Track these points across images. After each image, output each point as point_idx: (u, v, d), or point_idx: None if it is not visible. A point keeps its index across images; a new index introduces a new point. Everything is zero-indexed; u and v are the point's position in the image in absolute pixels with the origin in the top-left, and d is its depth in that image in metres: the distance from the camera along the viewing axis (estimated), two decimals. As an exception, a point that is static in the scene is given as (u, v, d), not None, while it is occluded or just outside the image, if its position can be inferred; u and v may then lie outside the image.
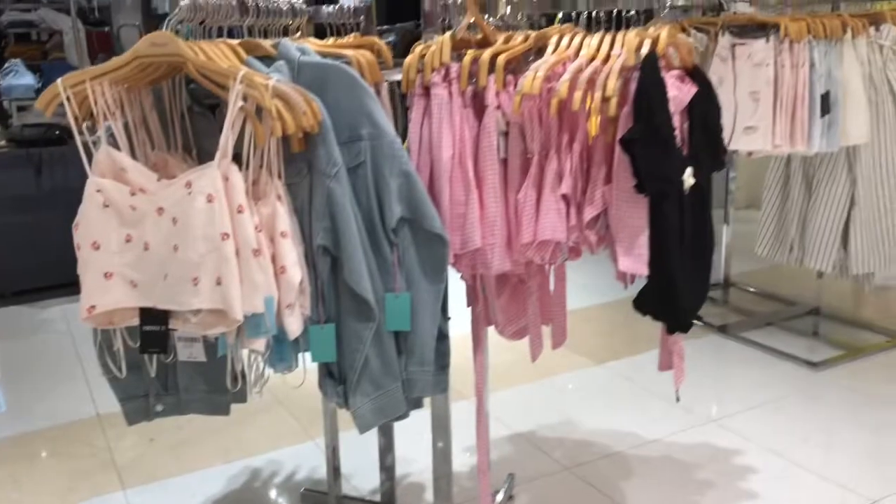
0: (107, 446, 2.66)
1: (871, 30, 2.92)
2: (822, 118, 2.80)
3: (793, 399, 2.82)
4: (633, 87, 1.35)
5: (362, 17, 1.90)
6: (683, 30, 3.22)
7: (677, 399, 1.69)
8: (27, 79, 4.26)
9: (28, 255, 4.00)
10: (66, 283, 3.68)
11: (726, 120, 2.91)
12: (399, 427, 2.21)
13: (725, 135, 2.92)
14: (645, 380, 2.97)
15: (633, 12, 1.46)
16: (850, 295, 3.79)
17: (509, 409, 2.79)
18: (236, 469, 2.50)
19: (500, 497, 2.26)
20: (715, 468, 2.40)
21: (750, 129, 2.84)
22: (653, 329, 1.72)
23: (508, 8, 1.63)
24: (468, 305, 1.76)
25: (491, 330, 1.88)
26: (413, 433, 2.15)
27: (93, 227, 1.30)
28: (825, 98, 2.79)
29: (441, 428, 1.83)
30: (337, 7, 1.94)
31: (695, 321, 1.52)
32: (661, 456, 2.49)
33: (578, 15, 1.54)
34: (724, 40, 2.89)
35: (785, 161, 3.31)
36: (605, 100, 1.34)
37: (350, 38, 1.86)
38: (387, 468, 2.25)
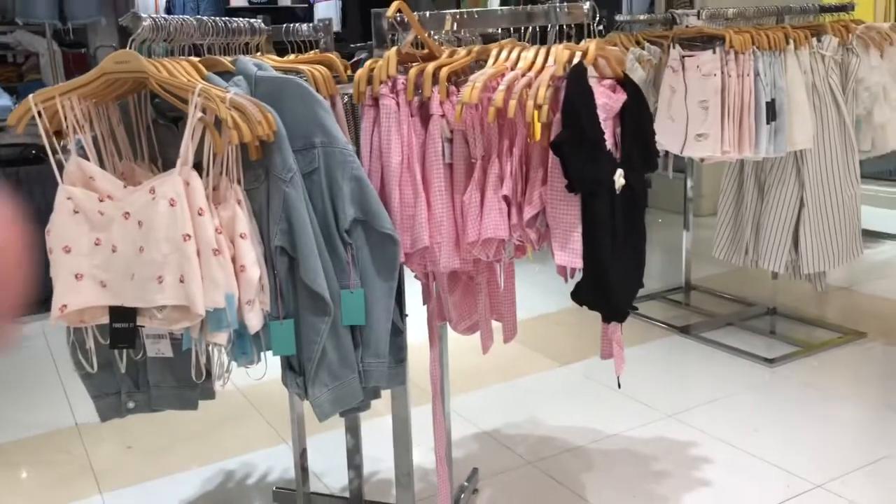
0: (84, 454, 2.73)
1: (814, 41, 3.07)
2: (769, 125, 2.95)
3: (748, 394, 2.94)
4: (562, 95, 1.47)
5: (321, 34, 2.01)
6: (638, 43, 3.38)
7: (619, 385, 1.80)
8: (3, 100, 4.34)
9: (6, 272, 4.06)
10: (45, 300, 3.75)
11: (680, 128, 3.05)
12: (368, 428, 2.31)
13: (679, 142, 3.06)
14: (607, 378, 3.08)
15: (566, 27, 1.58)
16: (806, 295, 3.93)
17: (476, 409, 2.89)
18: (211, 472, 2.58)
19: (463, 494, 2.35)
20: (671, 459, 2.51)
21: (701, 137, 2.98)
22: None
23: (455, 25, 1.75)
24: (424, 303, 1.87)
25: (459, 336, 1.98)
26: (381, 434, 2.25)
27: (64, 231, 1.40)
28: (771, 106, 2.94)
29: (401, 423, 1.92)
30: (297, 25, 2.06)
31: (630, 311, 1.63)
32: (621, 449, 2.59)
33: (517, 30, 1.66)
34: (675, 52, 3.04)
35: (738, 167, 3.45)
36: (538, 107, 1.46)
37: (310, 55, 1.97)
38: (355, 466, 2.34)
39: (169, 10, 6.30)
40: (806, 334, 3.47)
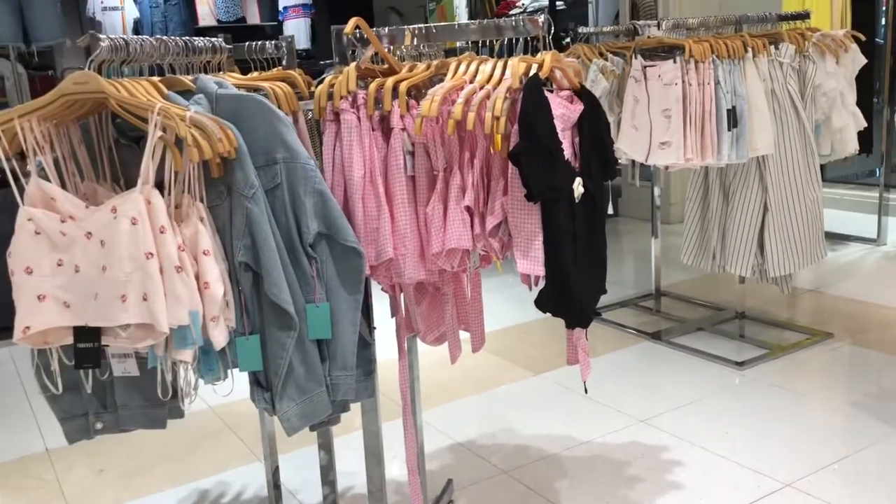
0: (55, 479, 2.70)
1: (772, 48, 3.14)
2: (730, 132, 3.00)
3: (718, 397, 2.98)
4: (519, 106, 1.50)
5: (284, 51, 2.03)
6: (602, 54, 3.43)
7: (585, 391, 1.82)
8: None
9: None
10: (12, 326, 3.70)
11: (644, 136, 3.10)
12: (341, 443, 2.31)
13: (643, 151, 3.11)
14: (580, 386, 3.10)
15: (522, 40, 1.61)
16: (774, 298, 3.99)
17: (450, 421, 2.90)
18: (186, 492, 2.56)
19: None
20: (643, 464, 2.54)
21: (664, 145, 3.03)
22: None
23: (415, 39, 1.77)
24: (392, 316, 1.88)
25: (432, 349, 1.99)
26: (355, 449, 2.25)
27: (25, 253, 1.40)
28: (731, 113, 2.99)
29: (372, 436, 1.93)
30: (260, 43, 2.07)
31: (593, 317, 1.65)
32: (594, 456, 2.61)
33: (476, 43, 1.69)
34: (637, 63, 3.09)
35: (703, 174, 3.51)
36: (496, 119, 1.48)
37: (272, 72, 1.99)
38: (329, 482, 2.34)
39: (137, 31, 6.29)
40: (774, 337, 3.52)
